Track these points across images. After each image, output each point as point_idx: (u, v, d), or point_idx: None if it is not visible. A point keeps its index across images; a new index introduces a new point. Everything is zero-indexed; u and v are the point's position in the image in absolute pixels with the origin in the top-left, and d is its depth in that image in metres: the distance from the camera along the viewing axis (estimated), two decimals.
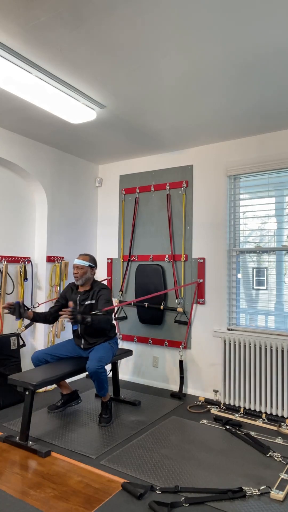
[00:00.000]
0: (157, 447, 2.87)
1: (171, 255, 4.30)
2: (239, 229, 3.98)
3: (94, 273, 3.52)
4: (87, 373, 4.66)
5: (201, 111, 3.31)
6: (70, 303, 3.15)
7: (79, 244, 4.73)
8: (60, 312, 3.08)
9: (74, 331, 3.54)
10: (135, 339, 4.49)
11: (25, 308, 3.26)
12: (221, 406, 3.69)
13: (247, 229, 3.94)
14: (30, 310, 3.33)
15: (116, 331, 3.71)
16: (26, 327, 4.09)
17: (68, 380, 4.46)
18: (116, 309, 4.67)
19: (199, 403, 3.79)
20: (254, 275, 3.88)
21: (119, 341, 4.63)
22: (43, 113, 3.41)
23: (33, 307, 3.43)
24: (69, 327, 4.51)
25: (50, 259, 4.28)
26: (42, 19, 2.15)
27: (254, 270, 3.89)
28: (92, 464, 2.60)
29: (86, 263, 3.43)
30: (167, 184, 4.36)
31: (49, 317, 3.49)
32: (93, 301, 3.41)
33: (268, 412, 3.50)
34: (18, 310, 3.15)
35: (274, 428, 3.25)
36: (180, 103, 3.16)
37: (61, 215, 4.47)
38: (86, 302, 3.42)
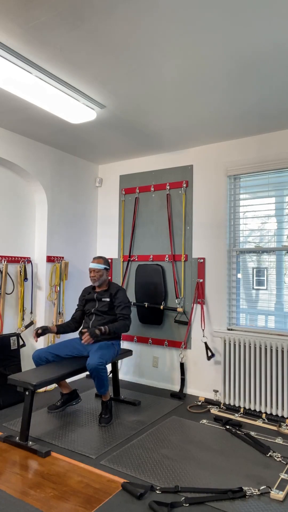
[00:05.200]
0: (157, 447, 2.87)
1: (171, 255, 4.30)
2: (239, 229, 3.98)
3: (109, 275, 3.61)
4: (87, 373, 4.66)
5: (201, 111, 3.31)
6: (84, 330, 3.33)
7: (79, 244, 4.73)
8: (82, 342, 3.26)
9: (84, 325, 3.66)
10: (135, 339, 4.49)
11: (48, 327, 3.50)
12: (221, 406, 3.69)
13: (247, 229, 3.94)
14: (53, 325, 3.59)
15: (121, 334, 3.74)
16: (26, 327, 4.10)
17: (68, 380, 4.46)
18: None
19: (199, 403, 3.79)
20: (254, 275, 3.88)
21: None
22: (43, 113, 3.41)
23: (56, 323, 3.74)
24: None
25: (50, 259, 4.28)
26: (42, 19, 2.15)
27: (254, 270, 3.89)
28: (92, 464, 2.60)
29: (102, 266, 3.57)
30: (167, 184, 4.36)
31: (72, 325, 3.69)
32: (108, 299, 3.57)
33: (268, 412, 3.50)
34: (45, 330, 3.45)
35: (274, 428, 3.25)
36: (180, 103, 3.16)
37: (61, 215, 4.47)
38: (103, 299, 3.58)
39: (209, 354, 3.96)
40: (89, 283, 4.73)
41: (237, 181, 4.02)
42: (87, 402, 3.78)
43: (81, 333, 3.42)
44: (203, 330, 4.03)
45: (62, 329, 3.61)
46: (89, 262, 4.87)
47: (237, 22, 2.13)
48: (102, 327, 3.32)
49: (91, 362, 3.10)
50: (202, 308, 4.06)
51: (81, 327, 3.77)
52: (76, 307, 3.80)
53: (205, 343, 3.94)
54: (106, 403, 3.36)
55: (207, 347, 3.93)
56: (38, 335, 3.37)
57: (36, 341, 3.35)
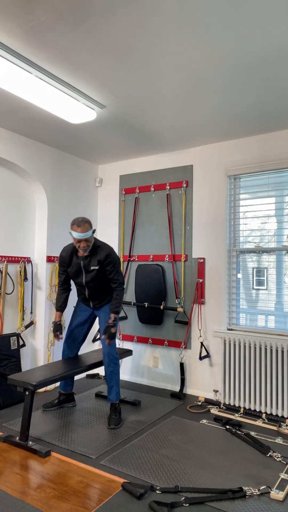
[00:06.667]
0: (157, 447, 2.87)
1: (171, 255, 4.30)
2: (239, 229, 3.98)
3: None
4: (87, 373, 4.66)
5: (201, 111, 3.31)
6: (103, 337, 3.26)
7: None
8: (106, 344, 3.25)
9: (80, 296, 3.56)
10: (135, 339, 4.49)
11: (56, 322, 3.44)
12: (221, 406, 3.69)
13: (247, 229, 3.94)
14: (56, 316, 3.47)
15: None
16: (26, 327, 4.10)
17: None
18: None
19: (199, 403, 3.79)
20: (254, 275, 3.88)
21: (119, 341, 4.63)
22: (43, 113, 3.41)
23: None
24: (68, 319, 4.51)
25: (50, 259, 4.28)
26: (42, 19, 2.15)
27: (254, 270, 3.89)
28: (92, 464, 2.60)
29: (91, 232, 3.15)
30: (167, 184, 4.36)
31: (66, 293, 3.51)
32: (97, 267, 3.26)
33: (268, 412, 3.50)
34: (59, 328, 3.42)
35: (274, 428, 3.25)
36: (180, 103, 3.16)
37: (61, 215, 4.47)
38: (92, 268, 3.27)
39: (203, 354, 3.98)
40: None
41: (237, 181, 4.02)
42: (87, 402, 3.77)
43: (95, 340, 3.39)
44: (199, 330, 4.03)
45: (63, 307, 3.49)
46: None
47: (238, 22, 2.13)
48: (111, 319, 3.24)
49: (105, 350, 3.28)
50: (199, 308, 4.06)
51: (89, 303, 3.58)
52: (59, 272, 3.48)
53: (201, 343, 3.96)
54: (115, 405, 3.33)
55: (202, 347, 3.96)
56: (58, 336, 3.35)
57: (60, 339, 3.37)
